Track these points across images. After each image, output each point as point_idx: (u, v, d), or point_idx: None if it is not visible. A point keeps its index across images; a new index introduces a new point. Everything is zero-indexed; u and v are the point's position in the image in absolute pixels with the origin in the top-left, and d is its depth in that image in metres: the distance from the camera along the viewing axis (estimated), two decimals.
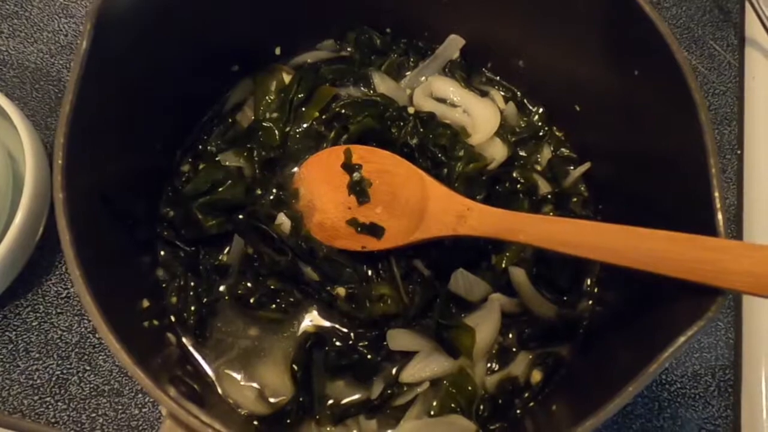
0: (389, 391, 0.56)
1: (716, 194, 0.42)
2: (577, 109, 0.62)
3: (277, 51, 0.68)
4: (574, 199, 0.63)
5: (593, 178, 0.64)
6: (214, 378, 0.56)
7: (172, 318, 0.58)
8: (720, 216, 0.41)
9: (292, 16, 0.65)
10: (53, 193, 0.42)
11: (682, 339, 0.39)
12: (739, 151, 0.73)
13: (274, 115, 0.64)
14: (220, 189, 0.61)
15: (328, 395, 0.56)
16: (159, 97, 0.56)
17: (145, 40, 0.52)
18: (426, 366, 0.56)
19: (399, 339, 0.56)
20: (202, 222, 0.59)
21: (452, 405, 0.55)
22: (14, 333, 0.63)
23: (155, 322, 0.53)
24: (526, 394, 0.57)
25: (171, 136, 0.62)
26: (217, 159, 0.63)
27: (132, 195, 0.56)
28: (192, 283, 0.59)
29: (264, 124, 0.64)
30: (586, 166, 0.63)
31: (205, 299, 0.59)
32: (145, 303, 0.54)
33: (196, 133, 0.65)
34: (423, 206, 0.55)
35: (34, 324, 0.63)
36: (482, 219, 0.52)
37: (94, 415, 0.60)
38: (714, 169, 0.42)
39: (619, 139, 0.58)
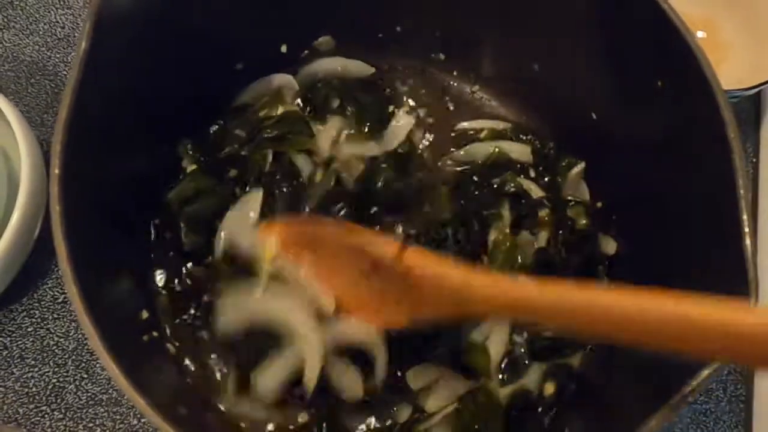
0: (415, 416, 0.54)
1: (744, 217, 0.40)
2: (594, 116, 0.60)
3: (283, 48, 0.66)
4: (571, 203, 0.62)
5: (598, 177, 0.62)
6: (215, 393, 0.54)
7: (169, 329, 0.56)
8: (748, 241, 0.39)
9: (295, 10, 0.62)
10: (50, 205, 0.40)
11: (706, 372, 0.37)
12: (754, 159, 0.72)
13: None
14: (204, 199, 0.58)
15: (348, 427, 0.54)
16: (160, 100, 0.54)
17: (145, 40, 0.50)
18: (449, 391, 0.54)
19: (419, 377, 0.55)
20: (183, 233, 0.57)
21: (475, 426, 0.53)
22: (9, 339, 0.61)
23: (155, 334, 0.52)
24: (540, 408, 0.55)
25: (172, 140, 0.60)
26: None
27: (130, 201, 0.54)
28: (191, 291, 0.57)
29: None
30: (581, 165, 0.62)
31: (205, 306, 0.56)
32: (145, 314, 0.52)
33: (198, 136, 0.62)
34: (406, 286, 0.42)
35: (29, 330, 0.61)
36: (489, 292, 0.39)
37: (91, 425, 0.58)
38: (743, 191, 0.40)
39: (633, 135, 0.56)
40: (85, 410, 0.58)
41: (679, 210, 0.49)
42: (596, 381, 0.56)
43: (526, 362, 0.57)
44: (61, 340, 0.61)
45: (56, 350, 0.60)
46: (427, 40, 0.67)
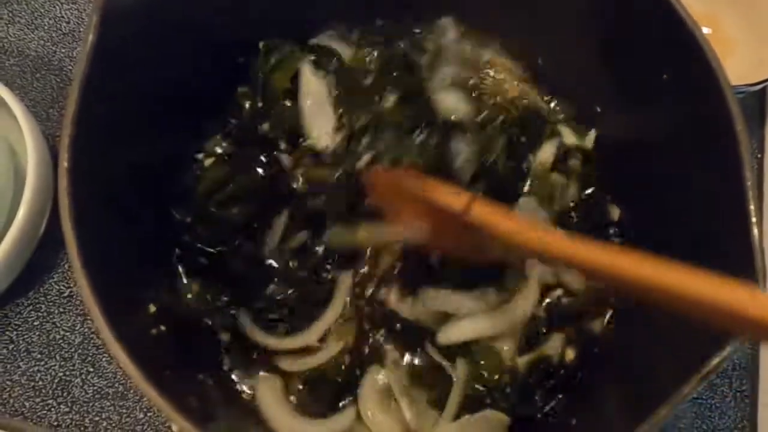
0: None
1: (751, 207, 0.40)
2: (598, 109, 0.60)
3: None
4: None
5: (603, 171, 0.62)
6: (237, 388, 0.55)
7: (185, 321, 0.56)
8: (755, 231, 0.39)
9: (297, 5, 0.62)
10: (59, 198, 0.40)
11: (716, 360, 0.37)
12: (759, 155, 0.72)
13: None
14: (232, 184, 0.60)
15: None
16: (167, 92, 0.53)
17: (150, 34, 0.49)
18: (464, 327, 0.56)
19: (437, 300, 0.57)
20: (219, 216, 0.59)
21: (483, 385, 0.55)
22: (15, 333, 0.61)
23: (162, 328, 0.52)
24: (561, 372, 0.56)
25: (180, 132, 0.60)
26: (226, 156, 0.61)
27: (141, 194, 0.53)
28: (208, 283, 0.57)
29: None
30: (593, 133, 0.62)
31: (221, 299, 0.57)
32: (152, 308, 0.52)
33: (207, 127, 0.62)
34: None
35: (35, 324, 0.61)
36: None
37: (97, 418, 0.58)
38: (749, 182, 0.40)
39: (638, 128, 0.56)
40: (91, 404, 0.59)
41: (686, 203, 0.49)
42: (620, 344, 0.56)
43: (545, 330, 0.57)
44: (68, 334, 0.61)
45: (62, 344, 0.60)
46: None
